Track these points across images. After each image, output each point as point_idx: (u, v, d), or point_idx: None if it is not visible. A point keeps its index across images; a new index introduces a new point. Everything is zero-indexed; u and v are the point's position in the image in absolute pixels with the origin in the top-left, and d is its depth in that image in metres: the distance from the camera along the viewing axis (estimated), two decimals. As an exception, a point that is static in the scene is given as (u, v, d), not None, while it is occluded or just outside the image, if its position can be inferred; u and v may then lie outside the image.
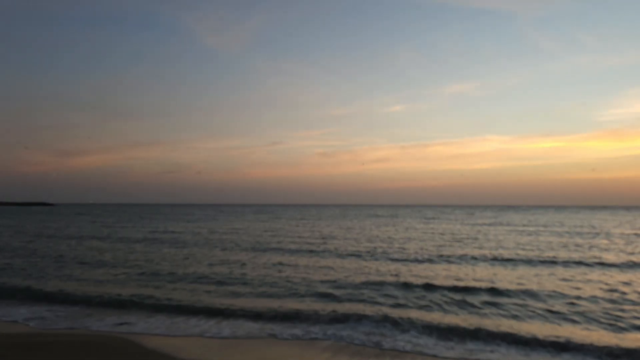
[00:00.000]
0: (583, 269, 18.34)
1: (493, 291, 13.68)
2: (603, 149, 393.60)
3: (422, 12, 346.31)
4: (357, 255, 22.80)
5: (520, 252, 23.73)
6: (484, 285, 14.54)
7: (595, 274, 17.02)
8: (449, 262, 20.21)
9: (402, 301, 12.63)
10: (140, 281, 15.83)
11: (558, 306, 11.95)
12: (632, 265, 19.19)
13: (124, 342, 9.40)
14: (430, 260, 20.54)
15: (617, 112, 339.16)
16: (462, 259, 21.07)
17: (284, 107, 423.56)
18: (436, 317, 10.96)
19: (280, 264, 19.82)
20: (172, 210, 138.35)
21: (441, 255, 22.09)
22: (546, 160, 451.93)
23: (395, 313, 11.19)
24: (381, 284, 15.05)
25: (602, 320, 10.68)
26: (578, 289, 14.20)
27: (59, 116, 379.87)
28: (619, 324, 10.39)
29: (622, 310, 11.49)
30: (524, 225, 49.38)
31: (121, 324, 10.78)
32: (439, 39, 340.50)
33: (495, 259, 20.90)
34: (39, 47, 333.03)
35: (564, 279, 15.92)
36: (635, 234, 36.56)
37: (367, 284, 14.98)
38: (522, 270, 18.02)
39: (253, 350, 8.99)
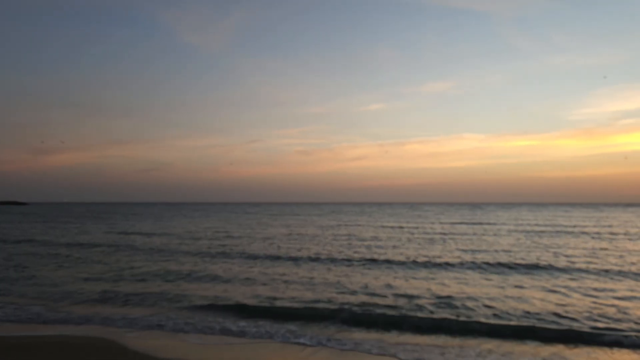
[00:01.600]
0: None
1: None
2: (575, 148, 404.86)
3: (401, 11, 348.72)
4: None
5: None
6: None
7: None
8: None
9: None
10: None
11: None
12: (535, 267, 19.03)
13: (106, 342, 9.48)
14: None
15: (588, 111, 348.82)
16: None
17: (263, 105, 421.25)
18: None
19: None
20: (145, 209, 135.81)
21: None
22: (520, 159, 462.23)
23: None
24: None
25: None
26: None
27: (34, 113, 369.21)
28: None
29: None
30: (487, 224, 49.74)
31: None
32: (417, 38, 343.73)
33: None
34: (14, 43, 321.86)
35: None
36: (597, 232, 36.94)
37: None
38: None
39: (233, 349, 9.20)
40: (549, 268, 18.90)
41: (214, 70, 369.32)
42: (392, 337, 10.11)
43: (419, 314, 11.59)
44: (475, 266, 19.62)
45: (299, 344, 9.63)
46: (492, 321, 10.94)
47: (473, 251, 25.26)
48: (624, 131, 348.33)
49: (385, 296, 13.77)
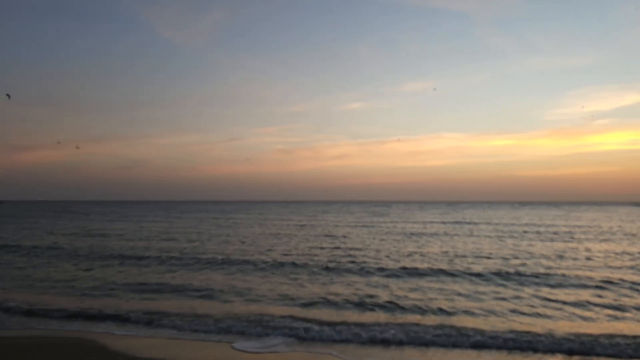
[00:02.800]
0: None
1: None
2: (551, 147, 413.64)
3: (381, 10, 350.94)
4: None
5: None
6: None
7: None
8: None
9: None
10: None
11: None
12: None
13: (87, 342, 9.50)
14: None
15: (565, 111, 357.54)
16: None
17: (243, 103, 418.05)
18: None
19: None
20: (120, 207, 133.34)
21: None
22: (498, 158, 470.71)
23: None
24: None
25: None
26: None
27: (9, 110, 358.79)
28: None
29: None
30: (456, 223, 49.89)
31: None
32: (396, 38, 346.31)
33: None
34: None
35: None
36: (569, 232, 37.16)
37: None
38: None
39: (214, 349, 9.30)
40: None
41: (194, 68, 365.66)
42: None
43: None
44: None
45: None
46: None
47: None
48: (598, 131, 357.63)
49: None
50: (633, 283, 15.07)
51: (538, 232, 36.78)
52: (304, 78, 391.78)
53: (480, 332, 9.82)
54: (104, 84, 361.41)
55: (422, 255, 22.39)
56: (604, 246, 26.21)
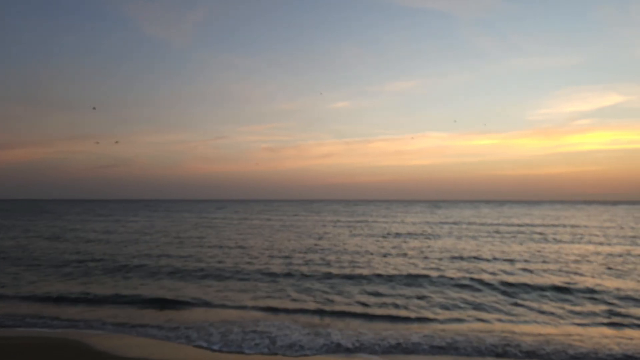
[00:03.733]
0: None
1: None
2: (533, 147, 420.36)
3: (367, 10, 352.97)
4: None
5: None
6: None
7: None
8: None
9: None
10: None
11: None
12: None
13: (73, 343, 9.60)
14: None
15: (547, 111, 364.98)
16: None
17: (229, 101, 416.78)
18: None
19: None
20: (100, 206, 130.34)
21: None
22: (482, 157, 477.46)
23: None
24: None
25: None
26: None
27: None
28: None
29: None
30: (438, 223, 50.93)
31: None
32: (382, 38, 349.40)
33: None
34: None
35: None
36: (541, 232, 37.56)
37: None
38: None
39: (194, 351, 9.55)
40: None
41: (181, 66, 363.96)
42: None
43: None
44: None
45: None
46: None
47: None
48: (580, 131, 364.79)
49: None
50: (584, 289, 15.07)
51: (512, 232, 37.06)
52: (290, 77, 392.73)
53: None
54: (89, 82, 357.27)
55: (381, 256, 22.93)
56: (576, 247, 26.63)
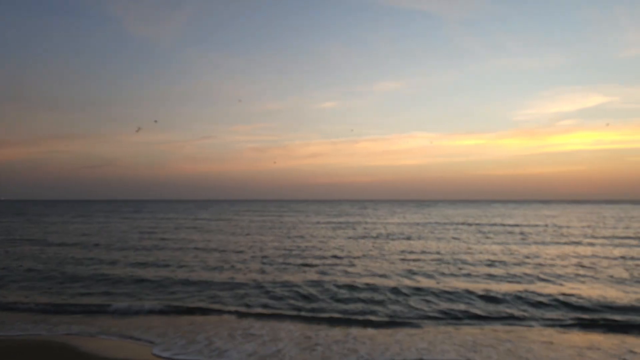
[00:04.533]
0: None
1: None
2: (518, 147, 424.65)
3: (354, 10, 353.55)
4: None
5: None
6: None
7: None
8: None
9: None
10: None
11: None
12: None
13: (57, 345, 9.60)
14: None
15: (531, 112, 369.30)
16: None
17: (215, 101, 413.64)
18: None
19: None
20: (81, 207, 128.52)
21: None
22: (468, 157, 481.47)
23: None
24: None
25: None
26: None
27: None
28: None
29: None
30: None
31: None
32: (370, 38, 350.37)
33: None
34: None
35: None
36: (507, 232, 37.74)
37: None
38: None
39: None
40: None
41: (166, 65, 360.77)
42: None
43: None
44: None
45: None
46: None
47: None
48: (564, 132, 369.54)
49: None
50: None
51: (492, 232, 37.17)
52: (277, 77, 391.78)
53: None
54: (70, 80, 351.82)
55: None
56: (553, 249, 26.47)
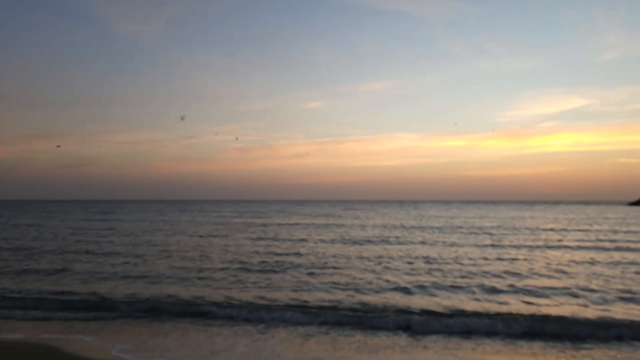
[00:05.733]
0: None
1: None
2: (501, 148, 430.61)
3: (339, 11, 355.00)
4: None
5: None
6: None
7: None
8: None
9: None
10: None
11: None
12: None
13: (42, 347, 9.87)
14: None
15: (514, 113, 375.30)
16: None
17: (200, 100, 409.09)
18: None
19: None
20: (59, 207, 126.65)
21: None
22: (451, 158, 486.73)
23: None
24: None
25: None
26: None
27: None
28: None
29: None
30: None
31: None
32: (354, 39, 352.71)
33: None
34: None
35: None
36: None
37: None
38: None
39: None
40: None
41: (150, 64, 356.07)
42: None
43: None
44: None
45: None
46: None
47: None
48: (545, 133, 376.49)
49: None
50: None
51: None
52: (262, 76, 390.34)
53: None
54: (51, 78, 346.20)
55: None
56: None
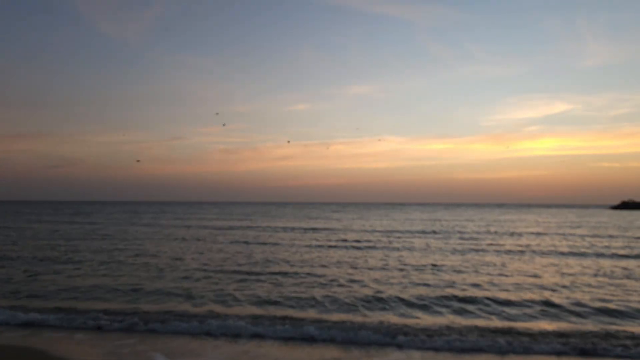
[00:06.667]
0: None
1: None
2: (485, 152, 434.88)
3: (326, 13, 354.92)
4: None
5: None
6: None
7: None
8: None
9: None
10: None
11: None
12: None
13: (24, 348, 9.81)
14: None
15: (498, 117, 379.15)
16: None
17: (185, 101, 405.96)
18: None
19: None
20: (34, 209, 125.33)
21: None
22: (437, 161, 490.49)
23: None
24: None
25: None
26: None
27: None
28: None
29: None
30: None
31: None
32: (341, 41, 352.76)
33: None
34: None
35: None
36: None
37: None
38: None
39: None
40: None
41: (134, 64, 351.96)
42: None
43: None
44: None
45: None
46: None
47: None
48: (529, 137, 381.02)
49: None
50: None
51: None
52: (248, 78, 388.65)
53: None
54: (30, 77, 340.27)
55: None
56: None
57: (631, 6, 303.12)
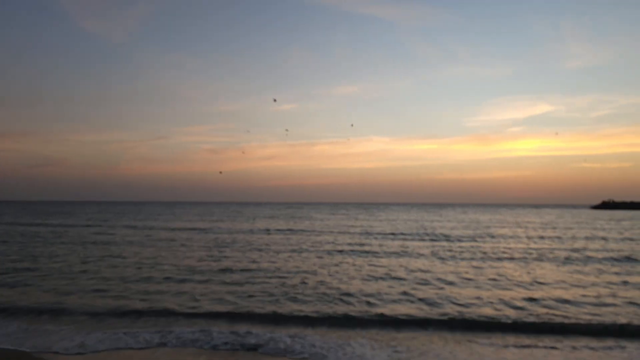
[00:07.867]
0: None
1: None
2: (470, 152, 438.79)
3: (312, 13, 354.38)
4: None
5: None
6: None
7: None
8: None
9: None
10: None
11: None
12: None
13: (16, 354, 10.05)
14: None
15: (483, 118, 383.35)
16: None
17: (170, 100, 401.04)
18: None
19: None
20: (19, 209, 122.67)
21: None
22: (422, 161, 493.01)
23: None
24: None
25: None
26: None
27: None
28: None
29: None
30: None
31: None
32: (328, 42, 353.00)
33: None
34: None
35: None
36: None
37: None
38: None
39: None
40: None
41: (119, 64, 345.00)
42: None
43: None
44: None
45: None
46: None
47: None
48: (512, 138, 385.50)
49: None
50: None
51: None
52: (234, 77, 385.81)
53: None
54: (14, 74, 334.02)
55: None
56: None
57: (613, 10, 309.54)
